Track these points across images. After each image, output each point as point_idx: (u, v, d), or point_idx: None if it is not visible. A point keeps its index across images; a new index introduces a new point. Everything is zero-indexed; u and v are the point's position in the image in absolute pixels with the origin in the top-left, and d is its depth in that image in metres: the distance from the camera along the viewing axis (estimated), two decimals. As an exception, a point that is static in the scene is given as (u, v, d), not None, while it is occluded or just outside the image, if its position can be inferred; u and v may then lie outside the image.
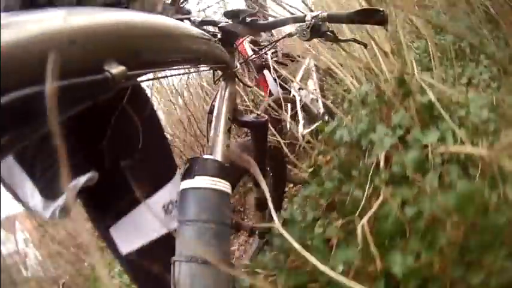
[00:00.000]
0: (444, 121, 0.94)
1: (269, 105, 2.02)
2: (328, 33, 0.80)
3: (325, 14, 0.78)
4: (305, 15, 0.80)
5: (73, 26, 0.28)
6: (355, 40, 0.86)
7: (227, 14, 0.83)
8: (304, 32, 0.78)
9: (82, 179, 0.60)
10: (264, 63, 2.46)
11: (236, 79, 0.80)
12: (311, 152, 1.65)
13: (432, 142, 0.95)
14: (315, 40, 1.47)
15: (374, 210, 0.90)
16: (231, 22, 0.82)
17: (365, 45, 0.88)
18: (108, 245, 0.75)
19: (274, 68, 2.40)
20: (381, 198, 0.93)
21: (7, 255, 2.86)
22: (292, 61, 2.49)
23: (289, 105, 2.44)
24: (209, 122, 0.78)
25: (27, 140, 0.27)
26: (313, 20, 0.78)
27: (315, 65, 2.44)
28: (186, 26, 0.45)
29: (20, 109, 0.23)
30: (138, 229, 0.69)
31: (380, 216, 0.86)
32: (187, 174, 0.57)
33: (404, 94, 1.06)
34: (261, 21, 0.84)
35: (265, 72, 2.53)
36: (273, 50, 2.39)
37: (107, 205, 0.68)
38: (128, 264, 0.76)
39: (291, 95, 2.41)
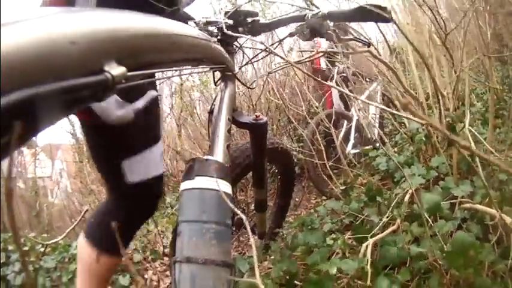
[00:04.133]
0: (480, 179, 0.96)
1: (327, 116, 2.08)
2: (330, 32, 0.77)
3: (325, 12, 0.76)
4: (305, 14, 0.78)
5: (73, 26, 0.28)
6: (357, 39, 0.83)
7: (228, 15, 0.82)
8: (304, 32, 0.77)
9: (154, 93, 0.80)
10: (340, 75, 2.48)
11: (236, 80, 0.81)
12: (350, 171, 1.70)
13: (461, 194, 0.97)
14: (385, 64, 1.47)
15: (384, 235, 0.96)
16: (231, 23, 0.80)
17: (368, 45, 0.84)
18: (108, 177, 0.94)
19: (341, 83, 2.44)
20: (394, 227, 0.99)
21: (40, 177, 3.08)
22: (364, 79, 2.50)
23: (345, 122, 2.48)
24: (210, 122, 0.79)
25: (27, 140, 0.28)
26: (312, 19, 0.76)
27: (382, 91, 2.43)
28: (186, 27, 0.46)
29: (20, 109, 0.23)
30: (147, 165, 0.88)
31: (386, 242, 0.92)
32: (187, 175, 0.56)
33: (450, 142, 1.09)
34: (262, 22, 0.83)
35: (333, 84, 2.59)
36: (345, 65, 2.43)
37: (126, 143, 0.84)
38: (127, 192, 0.92)
39: (351, 113, 2.44)
